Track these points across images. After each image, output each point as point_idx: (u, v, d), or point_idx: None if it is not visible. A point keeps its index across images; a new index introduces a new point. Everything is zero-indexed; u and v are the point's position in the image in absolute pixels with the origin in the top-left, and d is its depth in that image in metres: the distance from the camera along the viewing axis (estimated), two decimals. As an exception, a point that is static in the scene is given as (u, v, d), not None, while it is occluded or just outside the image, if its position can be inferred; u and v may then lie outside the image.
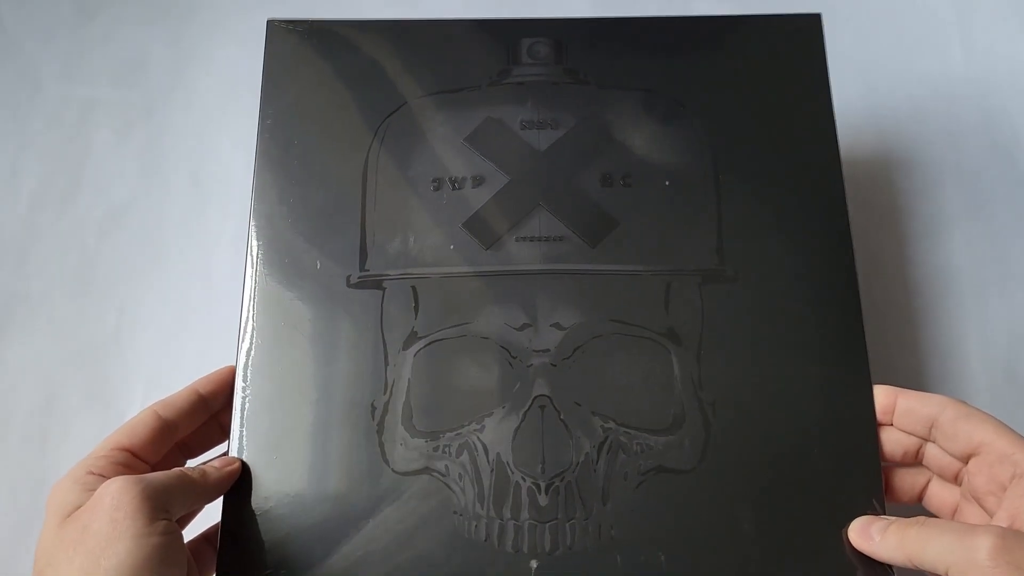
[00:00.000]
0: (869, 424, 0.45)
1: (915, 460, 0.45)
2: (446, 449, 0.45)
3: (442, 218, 0.49)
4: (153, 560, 0.37)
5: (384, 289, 0.48)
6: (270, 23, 0.54)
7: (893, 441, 0.45)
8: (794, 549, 0.44)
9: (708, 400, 0.46)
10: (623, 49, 0.52)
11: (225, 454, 0.46)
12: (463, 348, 0.46)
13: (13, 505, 0.57)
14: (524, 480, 0.44)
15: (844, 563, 0.43)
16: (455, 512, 0.44)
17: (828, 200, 0.49)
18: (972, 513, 0.43)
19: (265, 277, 0.48)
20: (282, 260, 0.48)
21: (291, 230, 0.49)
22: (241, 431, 0.46)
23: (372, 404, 0.46)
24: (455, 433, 0.45)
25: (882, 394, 0.45)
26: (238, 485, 0.44)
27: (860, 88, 0.67)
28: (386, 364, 0.46)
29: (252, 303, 0.48)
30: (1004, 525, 0.39)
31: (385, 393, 0.46)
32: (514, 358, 0.46)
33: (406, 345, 0.46)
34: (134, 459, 0.43)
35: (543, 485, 0.44)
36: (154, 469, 0.43)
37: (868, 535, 0.42)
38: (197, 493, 0.42)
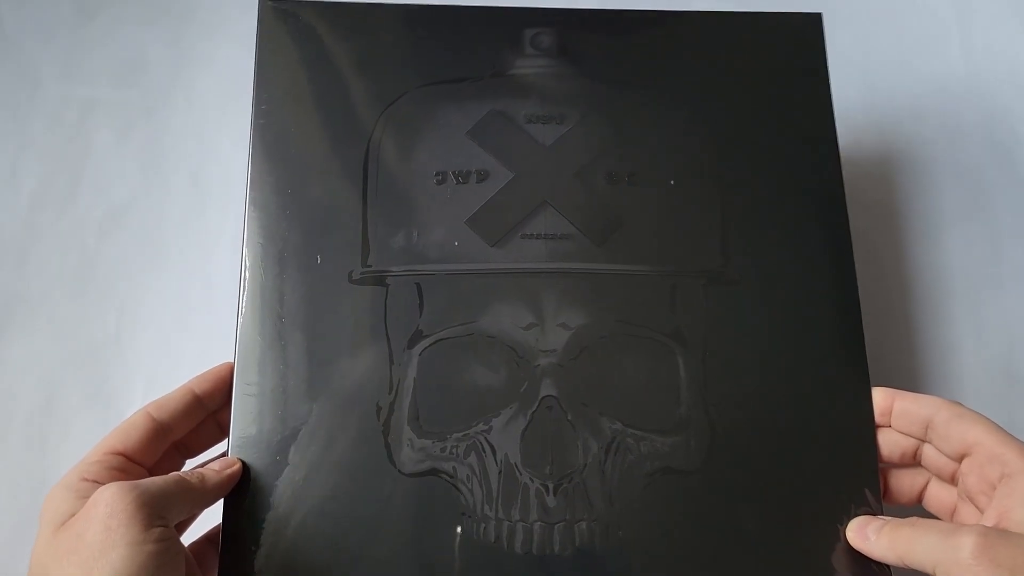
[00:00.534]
0: (868, 426, 0.46)
1: (913, 461, 0.46)
2: (453, 450, 0.45)
3: (446, 213, 0.48)
4: (149, 568, 0.37)
5: (388, 286, 0.47)
6: (262, 3, 0.52)
7: (891, 443, 0.46)
8: (795, 549, 0.44)
9: (713, 401, 0.46)
10: (628, 43, 0.52)
11: (225, 454, 0.45)
12: (469, 347, 0.46)
13: (13, 506, 0.57)
14: (532, 481, 0.44)
15: (843, 563, 0.44)
16: (463, 514, 0.44)
17: (828, 202, 0.49)
18: (969, 513, 0.43)
19: (262, 270, 0.47)
20: (280, 253, 0.47)
21: (289, 222, 0.48)
22: (240, 431, 0.45)
23: (377, 404, 0.45)
24: (462, 434, 0.45)
25: (880, 396, 0.46)
26: (239, 487, 0.44)
27: (860, 88, 0.67)
28: (391, 363, 0.46)
29: (249, 297, 0.47)
30: (991, 523, 0.39)
31: (390, 393, 0.45)
32: (521, 358, 0.46)
33: (411, 344, 0.46)
34: (129, 463, 0.42)
35: (551, 486, 0.44)
36: (151, 471, 0.43)
37: (864, 535, 0.43)
38: (196, 497, 0.41)
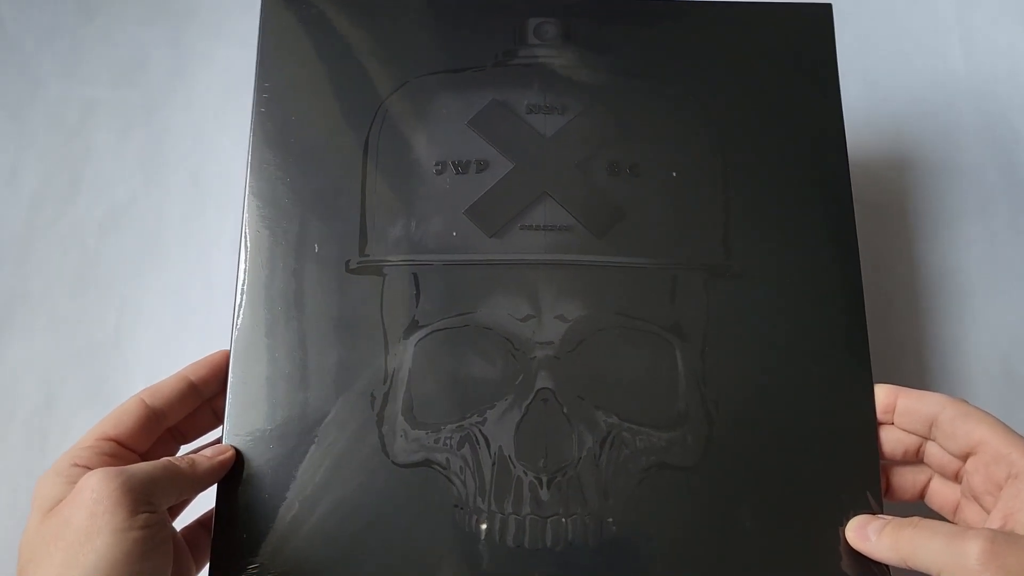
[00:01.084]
0: (869, 423, 0.45)
1: (916, 458, 0.45)
2: (447, 441, 0.44)
3: (445, 203, 0.48)
4: (134, 554, 0.36)
5: (385, 275, 0.47)
6: None
7: (893, 440, 0.45)
8: (793, 547, 0.43)
9: (711, 397, 0.45)
10: (632, 33, 0.51)
11: (219, 441, 0.45)
12: (465, 338, 0.46)
13: (13, 505, 0.57)
14: (526, 474, 0.44)
15: (842, 562, 0.43)
16: (456, 505, 0.43)
17: (834, 196, 0.49)
18: (972, 511, 0.43)
19: (260, 257, 0.47)
20: (278, 240, 0.47)
21: (288, 210, 0.48)
22: (235, 418, 0.45)
23: (372, 394, 0.45)
24: (456, 425, 0.45)
25: (882, 393, 0.45)
26: (233, 473, 0.43)
27: (861, 88, 0.67)
28: (386, 353, 0.45)
29: (247, 285, 0.47)
30: (997, 525, 0.39)
31: (385, 383, 0.45)
32: (517, 350, 0.46)
33: (407, 334, 0.46)
34: (121, 449, 0.42)
35: (545, 480, 0.44)
36: (144, 457, 0.43)
37: (865, 535, 0.42)
38: (185, 483, 0.41)
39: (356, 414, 0.45)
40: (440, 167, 0.48)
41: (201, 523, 0.46)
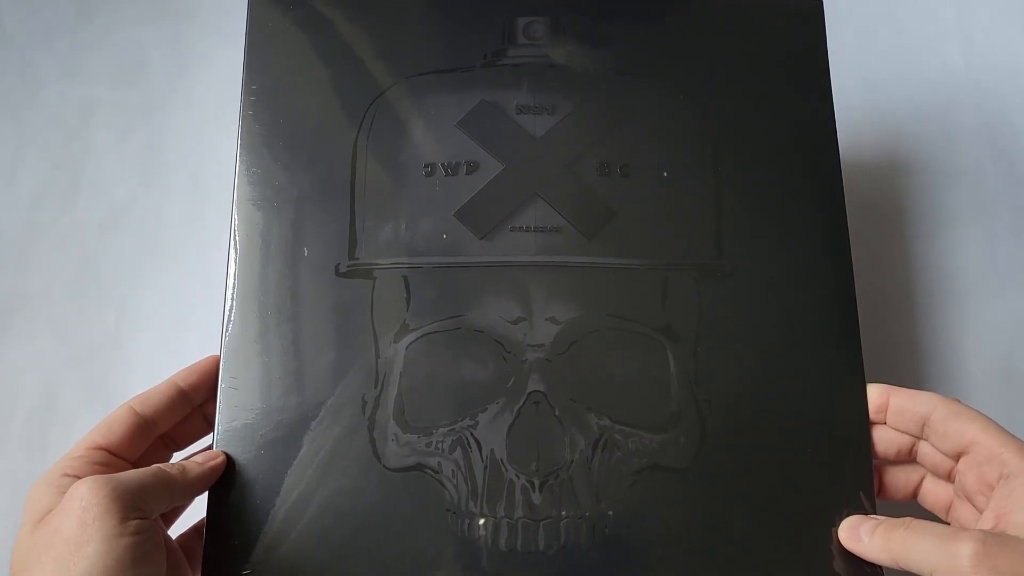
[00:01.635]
0: (862, 423, 0.45)
1: (908, 458, 0.45)
2: (439, 445, 0.44)
3: (435, 205, 0.47)
4: (125, 561, 0.36)
5: (375, 279, 0.46)
6: None
7: (886, 440, 0.45)
8: (786, 548, 0.43)
9: (704, 397, 0.45)
10: (621, 32, 0.51)
11: (210, 447, 0.45)
12: (456, 341, 0.45)
13: (13, 505, 0.57)
14: (518, 478, 0.44)
15: (834, 562, 0.43)
16: (448, 509, 0.43)
17: (826, 194, 0.48)
18: (965, 511, 0.43)
19: (249, 262, 0.47)
20: (267, 245, 0.47)
21: (277, 213, 0.47)
22: (226, 424, 0.44)
23: (363, 398, 0.45)
24: (448, 429, 0.44)
25: (875, 392, 0.45)
26: (224, 480, 0.43)
27: (860, 88, 0.67)
28: (377, 357, 0.45)
29: (236, 289, 0.47)
30: (990, 525, 0.39)
31: (376, 387, 0.45)
32: (508, 352, 0.45)
33: (397, 337, 0.45)
34: (112, 457, 0.42)
35: (537, 483, 0.43)
36: (135, 466, 0.43)
37: (857, 535, 0.42)
38: (176, 490, 0.41)
39: (347, 419, 0.44)
40: (429, 169, 0.48)
41: (196, 530, 0.46)
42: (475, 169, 0.48)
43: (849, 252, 0.47)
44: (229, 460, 0.44)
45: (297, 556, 0.42)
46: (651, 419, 0.45)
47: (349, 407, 0.44)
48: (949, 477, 0.43)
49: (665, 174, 0.48)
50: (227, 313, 0.46)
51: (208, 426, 0.46)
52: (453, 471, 0.44)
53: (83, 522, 0.36)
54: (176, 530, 0.46)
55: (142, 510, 0.38)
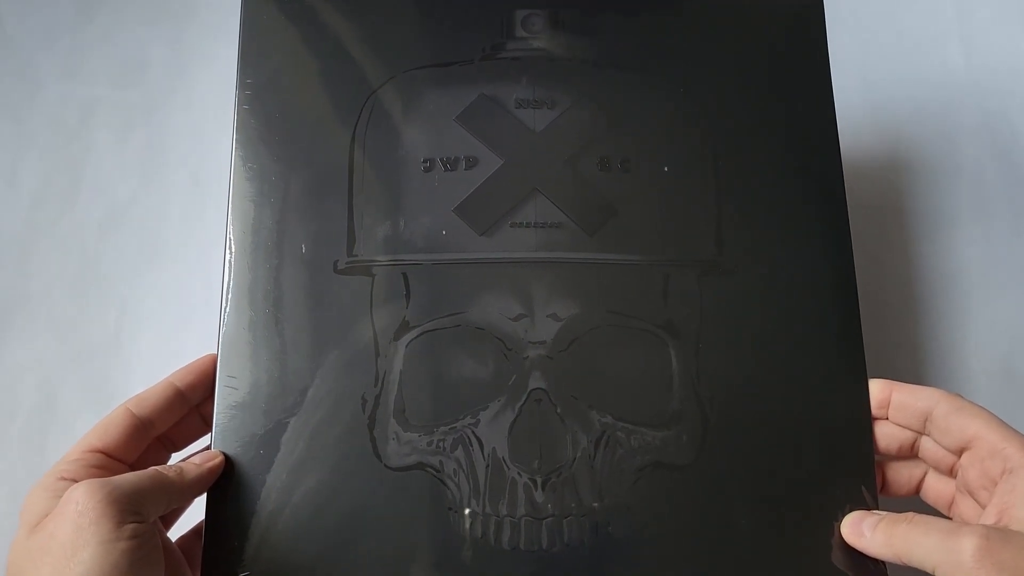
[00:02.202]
0: (864, 418, 0.45)
1: (911, 453, 0.45)
2: (440, 444, 0.44)
3: (434, 201, 0.47)
4: (122, 565, 0.36)
5: (373, 276, 0.46)
6: None
7: (888, 435, 0.44)
8: (788, 544, 0.43)
9: (706, 395, 0.45)
10: (621, 26, 0.50)
11: (209, 447, 0.44)
12: (457, 339, 0.45)
13: (13, 505, 0.57)
14: (520, 476, 0.43)
15: (837, 558, 0.42)
16: (450, 508, 0.43)
17: (827, 190, 0.48)
18: (968, 506, 0.42)
19: (246, 260, 0.47)
20: (264, 242, 0.47)
21: (273, 210, 0.47)
22: (223, 424, 0.44)
23: (363, 397, 0.44)
24: (449, 427, 0.44)
25: (877, 388, 0.45)
26: (222, 481, 0.43)
27: (860, 87, 0.67)
28: (377, 355, 0.45)
29: (233, 288, 0.46)
30: (992, 520, 0.39)
31: (376, 385, 0.44)
32: (509, 350, 0.45)
33: (397, 335, 0.45)
34: (109, 460, 0.41)
35: (539, 481, 0.43)
36: (133, 467, 0.42)
37: (859, 531, 0.42)
38: (174, 492, 0.40)
39: (347, 417, 0.44)
40: (428, 164, 0.48)
41: (197, 532, 0.46)
42: (474, 164, 0.48)
43: (850, 247, 0.47)
44: (227, 460, 0.43)
45: (297, 556, 0.42)
46: (653, 416, 0.44)
47: (349, 406, 0.44)
48: (951, 472, 0.43)
49: (666, 169, 0.48)
50: (224, 311, 0.46)
51: (206, 426, 0.46)
52: (455, 470, 0.43)
53: (79, 527, 0.36)
54: (176, 532, 0.46)
55: (139, 513, 0.38)
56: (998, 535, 0.36)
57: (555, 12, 0.50)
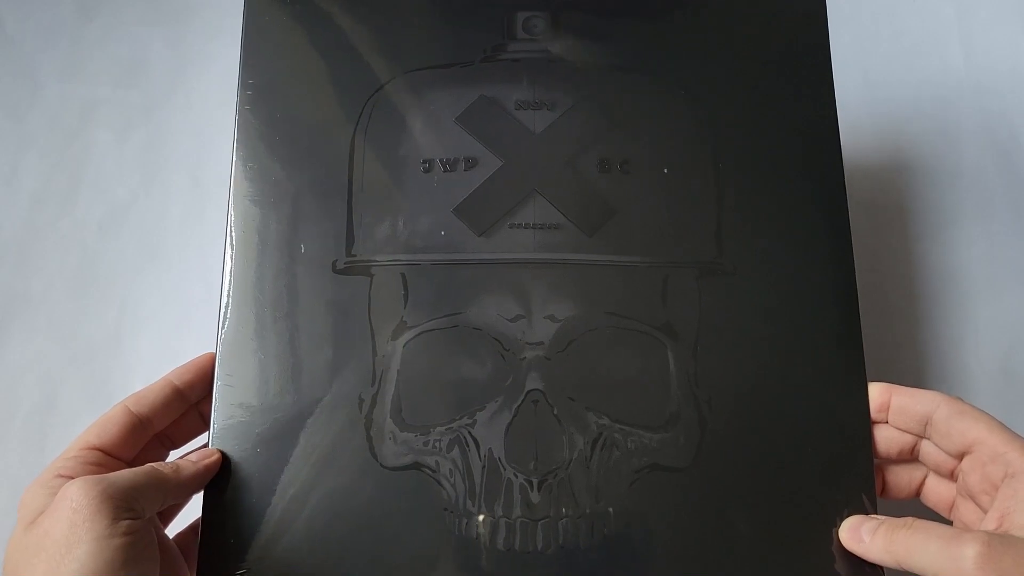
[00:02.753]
0: (863, 422, 0.44)
1: (911, 457, 0.44)
2: (436, 444, 0.44)
3: (433, 202, 0.47)
4: (117, 562, 0.36)
5: (372, 276, 0.46)
6: None
7: (887, 439, 0.44)
8: (786, 548, 0.43)
9: (704, 397, 0.44)
10: (622, 27, 0.50)
11: (206, 446, 0.44)
12: (454, 339, 0.45)
13: (13, 504, 0.57)
14: (516, 477, 0.43)
15: (835, 563, 0.42)
16: (445, 509, 0.43)
17: (828, 192, 0.48)
18: (969, 509, 0.42)
19: (246, 259, 0.47)
20: (264, 241, 0.47)
21: (273, 209, 0.47)
22: (222, 422, 0.44)
23: (360, 396, 0.44)
24: (446, 427, 0.44)
25: (877, 391, 0.44)
26: (219, 478, 0.43)
27: (860, 88, 0.67)
28: (374, 355, 0.45)
29: (232, 286, 0.46)
30: (993, 526, 0.38)
31: (373, 385, 0.44)
32: (507, 351, 0.45)
33: (395, 335, 0.45)
34: (106, 457, 0.41)
35: (536, 482, 0.43)
36: (131, 465, 0.42)
37: (858, 536, 0.41)
38: (169, 489, 0.40)
39: (344, 417, 0.44)
40: (428, 164, 0.48)
41: (194, 528, 0.46)
42: (474, 165, 0.48)
43: (851, 251, 0.47)
44: (225, 458, 0.43)
45: (292, 555, 0.42)
46: (651, 418, 0.44)
47: (346, 405, 0.44)
48: (952, 476, 0.43)
49: (666, 171, 0.48)
50: (223, 310, 0.46)
51: (205, 424, 0.46)
52: (451, 470, 0.43)
53: (73, 523, 0.36)
54: (174, 528, 0.46)
55: (134, 510, 0.38)
56: (1000, 541, 0.36)
57: (556, 14, 0.50)
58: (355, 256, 0.46)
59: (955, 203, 0.64)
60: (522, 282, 0.46)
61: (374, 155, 0.48)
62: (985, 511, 0.40)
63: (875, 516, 0.42)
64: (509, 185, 0.47)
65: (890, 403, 0.44)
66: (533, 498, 0.43)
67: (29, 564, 0.36)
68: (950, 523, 0.43)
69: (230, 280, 0.46)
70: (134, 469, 0.40)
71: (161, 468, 0.41)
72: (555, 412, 0.44)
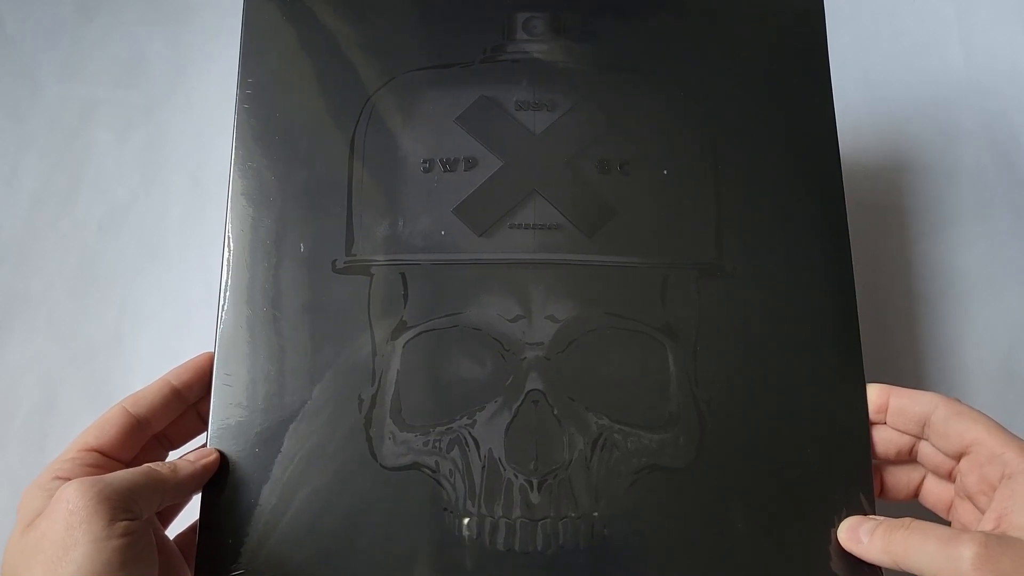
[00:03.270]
0: (862, 423, 0.44)
1: (909, 458, 0.44)
2: (436, 444, 0.44)
3: (433, 202, 0.47)
4: (115, 563, 0.36)
5: (372, 275, 0.46)
6: None
7: (886, 440, 0.44)
8: (785, 549, 0.43)
9: (703, 398, 0.44)
10: (622, 27, 0.50)
11: (204, 446, 0.44)
12: (454, 339, 0.45)
13: (13, 506, 0.57)
14: (516, 477, 0.43)
15: (833, 564, 0.42)
16: (445, 509, 0.43)
17: (826, 193, 0.48)
18: (967, 510, 0.42)
19: (245, 258, 0.46)
20: (263, 241, 0.47)
21: (272, 209, 0.47)
22: (219, 421, 0.44)
23: (359, 396, 0.44)
24: (445, 427, 0.44)
25: (875, 393, 0.44)
26: (217, 478, 0.43)
27: (860, 88, 0.67)
28: (374, 354, 0.45)
29: (231, 286, 0.46)
30: (991, 526, 0.38)
31: (373, 385, 0.44)
32: (507, 351, 0.45)
33: (395, 335, 0.45)
34: (104, 459, 0.41)
35: (535, 482, 0.43)
36: (129, 466, 0.42)
37: (857, 536, 0.41)
38: (167, 489, 0.40)
39: (343, 416, 0.44)
40: (427, 165, 0.47)
41: (195, 529, 0.46)
42: (474, 165, 0.47)
43: (849, 251, 0.47)
44: (223, 458, 0.43)
45: (291, 555, 0.42)
46: (650, 419, 0.44)
47: (345, 405, 0.44)
48: (950, 477, 0.43)
49: (665, 172, 0.48)
50: (221, 309, 0.46)
51: (203, 424, 0.45)
52: (451, 470, 0.43)
53: (70, 525, 0.36)
54: (175, 529, 0.46)
55: (131, 511, 0.38)
56: (997, 542, 0.36)
57: (556, 15, 0.50)
58: (355, 256, 0.46)
59: (955, 203, 0.64)
60: (522, 282, 0.46)
61: (374, 155, 0.48)
62: (983, 512, 0.40)
63: (873, 517, 0.42)
64: (509, 185, 0.47)
65: (888, 404, 0.44)
66: (533, 498, 0.43)
67: (27, 566, 0.36)
68: (948, 524, 0.43)
69: (228, 280, 0.46)
70: (131, 470, 0.40)
71: (158, 468, 0.41)
72: (555, 412, 0.44)
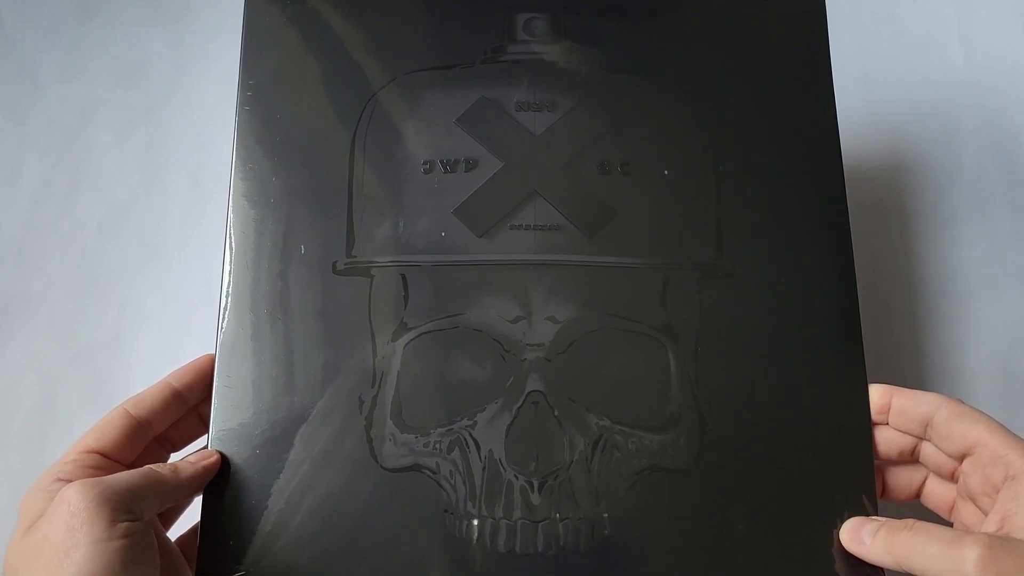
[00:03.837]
0: (864, 423, 0.44)
1: (911, 458, 0.44)
2: (437, 445, 0.44)
3: (433, 203, 0.47)
4: (116, 564, 0.36)
5: (372, 277, 0.46)
6: None
7: (888, 440, 0.44)
8: (787, 550, 0.43)
9: (704, 399, 0.44)
10: (623, 29, 0.50)
11: (205, 448, 0.44)
12: (455, 340, 0.45)
13: (13, 506, 0.57)
14: (517, 478, 0.43)
15: (836, 565, 0.42)
16: (446, 510, 0.43)
17: (827, 194, 0.48)
18: (969, 512, 0.42)
19: (245, 260, 0.46)
20: (263, 242, 0.47)
21: (273, 210, 0.47)
22: (220, 423, 0.44)
23: (360, 397, 0.44)
24: (446, 429, 0.44)
25: (877, 393, 0.44)
26: (218, 480, 0.43)
27: (860, 88, 0.67)
28: (374, 356, 0.45)
29: (232, 287, 0.46)
30: (994, 528, 0.38)
31: (373, 386, 0.44)
32: (507, 352, 0.45)
33: (395, 336, 0.45)
34: (105, 461, 0.41)
35: (536, 484, 0.43)
36: (131, 468, 0.42)
37: (859, 537, 0.41)
38: (168, 490, 0.40)
39: (343, 418, 0.44)
40: (428, 166, 0.47)
41: (197, 531, 0.46)
42: (474, 166, 0.47)
43: (851, 252, 0.47)
44: (224, 459, 0.43)
45: (291, 556, 0.42)
46: (651, 420, 0.44)
47: (346, 406, 0.44)
48: (952, 478, 0.43)
49: (666, 173, 0.48)
50: (222, 311, 0.46)
51: (204, 426, 0.45)
52: (451, 471, 0.43)
53: (71, 527, 0.36)
54: (176, 531, 0.46)
55: (132, 512, 0.37)
56: (1001, 544, 0.36)
57: (557, 16, 0.50)
58: (355, 257, 0.46)
59: (955, 203, 0.64)
60: (522, 283, 0.46)
61: (374, 156, 0.48)
62: (986, 513, 0.40)
63: (876, 518, 0.42)
64: (509, 186, 0.47)
65: (891, 405, 0.44)
66: (534, 500, 0.43)
67: (28, 569, 0.36)
68: (951, 525, 0.43)
69: (229, 281, 0.46)
70: (132, 471, 0.40)
71: (159, 469, 0.41)
72: (556, 413, 0.44)
